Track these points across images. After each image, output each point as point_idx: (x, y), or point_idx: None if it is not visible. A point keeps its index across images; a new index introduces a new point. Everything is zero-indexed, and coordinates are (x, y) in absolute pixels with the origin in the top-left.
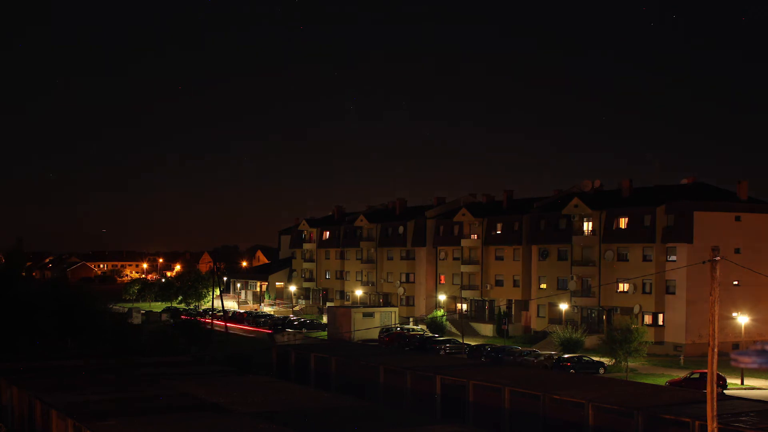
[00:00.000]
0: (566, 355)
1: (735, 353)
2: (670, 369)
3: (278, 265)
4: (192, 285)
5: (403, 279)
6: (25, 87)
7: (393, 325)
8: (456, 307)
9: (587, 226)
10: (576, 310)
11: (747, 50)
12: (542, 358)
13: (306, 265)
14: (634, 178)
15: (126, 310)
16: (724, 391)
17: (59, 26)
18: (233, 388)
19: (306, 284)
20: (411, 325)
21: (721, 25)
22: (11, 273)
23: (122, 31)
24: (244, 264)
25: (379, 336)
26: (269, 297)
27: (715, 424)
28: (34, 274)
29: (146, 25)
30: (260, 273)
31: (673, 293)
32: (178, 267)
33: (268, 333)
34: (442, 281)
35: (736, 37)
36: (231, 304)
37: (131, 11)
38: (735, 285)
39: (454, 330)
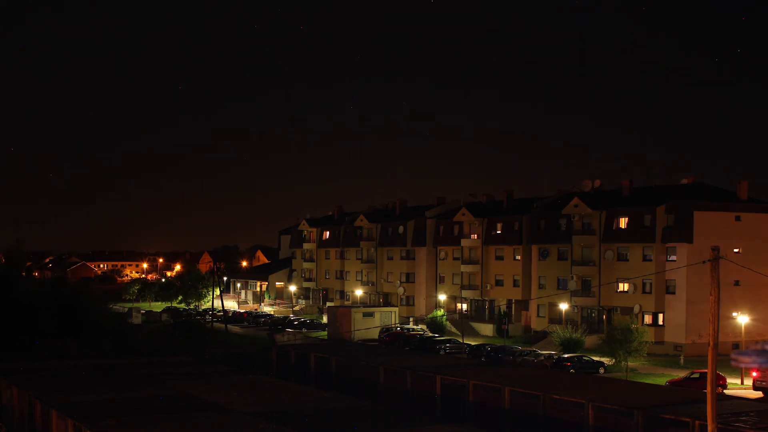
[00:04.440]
0: (566, 355)
1: (735, 353)
2: (670, 369)
3: (278, 265)
4: (192, 285)
5: (403, 279)
6: (26, 88)
7: (393, 325)
8: (456, 307)
9: (587, 226)
10: (576, 310)
11: (746, 51)
12: (542, 358)
13: (306, 265)
14: (634, 178)
15: (126, 310)
16: (724, 391)
17: (59, 28)
18: (233, 388)
19: (306, 284)
20: (411, 325)
21: (721, 27)
22: (11, 273)
23: (124, 33)
24: (244, 264)
25: (379, 336)
26: (269, 297)
27: (715, 424)
28: (34, 274)
29: (149, 29)
30: (260, 273)
31: (673, 293)
32: (178, 267)
33: (268, 333)
34: (442, 281)
35: (735, 38)
36: (231, 304)
37: (133, 17)
38: (735, 285)
39: (454, 330)
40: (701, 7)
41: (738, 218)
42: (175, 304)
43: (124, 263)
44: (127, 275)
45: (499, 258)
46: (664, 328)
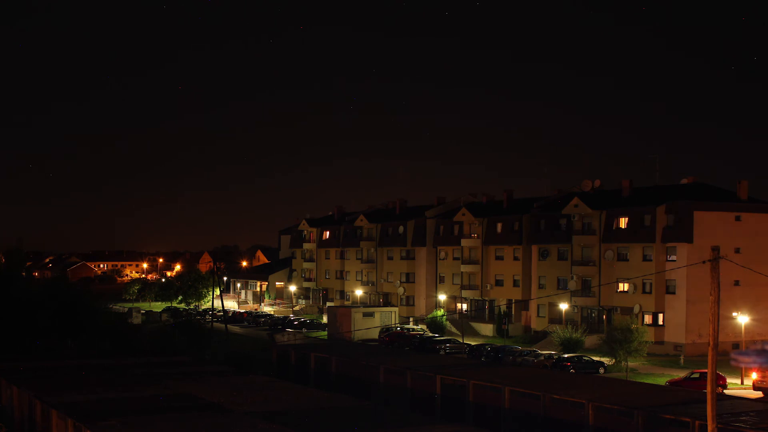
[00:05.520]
0: (566, 355)
1: (735, 353)
2: (670, 369)
3: (278, 265)
4: (192, 285)
5: (403, 279)
6: (25, 87)
7: (393, 325)
8: (456, 307)
9: (587, 226)
10: (576, 310)
11: (747, 50)
12: (542, 357)
13: (306, 265)
14: (634, 178)
15: (126, 310)
16: (724, 391)
17: (60, 28)
18: (233, 388)
19: (306, 284)
20: (411, 325)
21: (721, 27)
22: (11, 273)
23: (124, 32)
24: (244, 264)
25: (379, 336)
26: (269, 297)
27: (715, 424)
28: (34, 274)
29: (149, 28)
30: (260, 273)
31: (673, 293)
32: (178, 267)
33: (268, 333)
34: (442, 281)
35: (736, 37)
36: (231, 304)
37: (134, 17)
38: (735, 285)
39: (454, 330)
40: (701, 7)
41: (738, 218)
42: (175, 304)
43: (124, 263)
44: (127, 275)
45: (499, 258)
46: (664, 328)
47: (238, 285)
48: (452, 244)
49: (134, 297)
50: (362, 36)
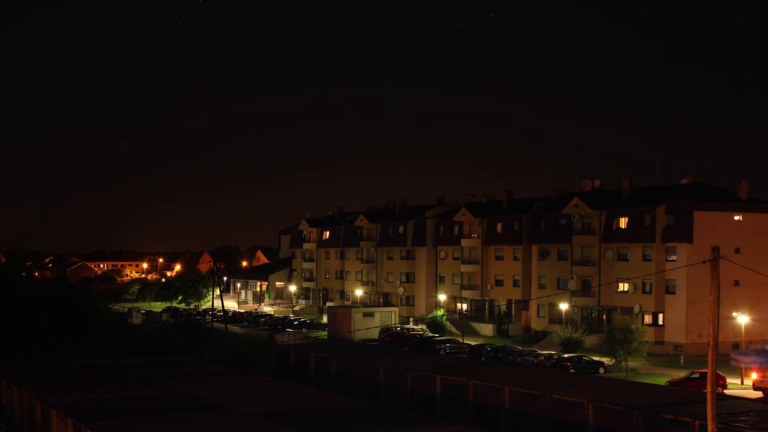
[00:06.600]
0: (566, 355)
1: (735, 353)
2: (670, 369)
3: (278, 265)
4: (192, 285)
5: (403, 279)
6: (26, 87)
7: (393, 325)
8: (456, 306)
9: (587, 226)
10: (576, 310)
11: (747, 50)
12: (542, 357)
13: (306, 265)
14: (634, 178)
15: (126, 310)
16: (724, 391)
17: (55, 31)
18: (233, 388)
19: (306, 284)
20: (411, 325)
21: (721, 27)
22: (11, 273)
23: (124, 33)
24: (244, 264)
25: (379, 336)
26: (269, 297)
27: (715, 424)
28: (34, 274)
29: (149, 28)
30: (260, 273)
31: (673, 293)
32: (178, 267)
33: (268, 333)
34: (442, 281)
35: (736, 38)
36: (231, 304)
37: (133, 17)
38: (735, 285)
39: (454, 330)
40: (701, 7)
41: (738, 218)
42: (175, 304)
43: (124, 263)
44: (127, 275)
45: (499, 258)
46: (664, 328)
47: (238, 285)
48: (452, 244)
49: (134, 297)
50: (362, 36)
